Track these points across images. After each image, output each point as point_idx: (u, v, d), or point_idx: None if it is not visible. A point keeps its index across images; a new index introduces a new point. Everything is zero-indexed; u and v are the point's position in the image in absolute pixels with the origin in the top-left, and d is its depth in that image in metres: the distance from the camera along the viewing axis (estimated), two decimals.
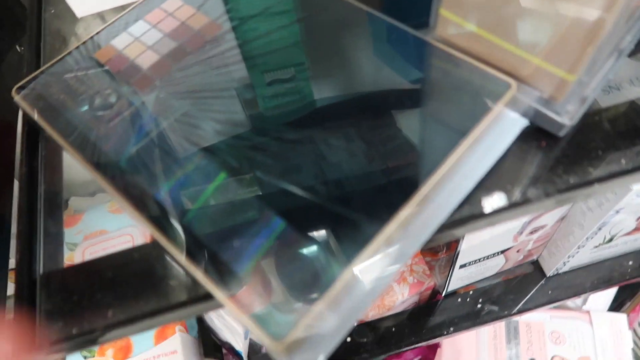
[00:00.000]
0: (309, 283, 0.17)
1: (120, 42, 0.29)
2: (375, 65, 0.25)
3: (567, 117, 0.21)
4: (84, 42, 0.29)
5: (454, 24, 0.22)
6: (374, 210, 0.18)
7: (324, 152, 0.21)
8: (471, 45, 0.22)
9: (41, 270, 0.22)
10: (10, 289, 0.28)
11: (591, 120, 0.24)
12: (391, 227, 0.18)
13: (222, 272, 0.19)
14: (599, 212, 0.39)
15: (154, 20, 0.30)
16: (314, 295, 0.17)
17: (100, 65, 0.27)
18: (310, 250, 0.18)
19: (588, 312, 0.55)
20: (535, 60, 0.20)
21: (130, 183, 0.22)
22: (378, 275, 0.17)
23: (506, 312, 0.51)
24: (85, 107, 0.25)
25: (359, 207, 0.19)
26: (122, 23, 0.30)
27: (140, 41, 0.28)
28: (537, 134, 0.23)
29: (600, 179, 0.22)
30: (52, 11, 0.33)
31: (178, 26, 0.29)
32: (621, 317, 0.54)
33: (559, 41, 0.19)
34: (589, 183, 0.22)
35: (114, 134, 0.24)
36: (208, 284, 0.18)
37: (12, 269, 0.26)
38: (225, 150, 0.23)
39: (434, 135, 0.21)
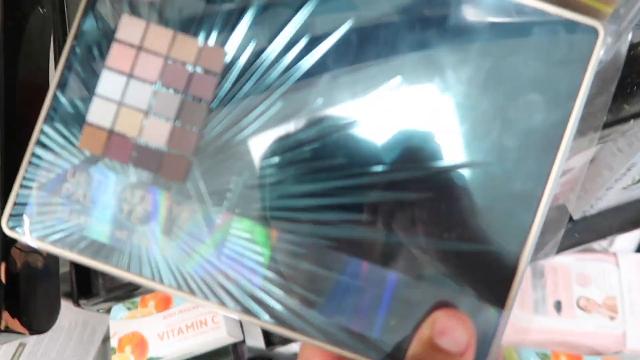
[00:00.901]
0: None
1: (98, 114, 0.20)
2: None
3: (602, 51, 0.21)
4: (43, 132, 0.20)
5: None
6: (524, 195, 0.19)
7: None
8: None
9: None
10: None
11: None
12: (542, 208, 0.19)
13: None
14: (629, 152, 0.38)
15: (120, 64, 0.20)
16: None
17: (97, 159, 0.20)
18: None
19: (614, 253, 0.55)
20: None
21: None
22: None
23: (532, 256, 0.52)
24: (113, 227, 0.20)
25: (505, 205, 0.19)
26: (76, 81, 0.20)
27: (126, 106, 0.20)
28: None
29: (636, 115, 0.21)
30: None
31: (163, 66, 0.20)
32: None
33: None
34: (625, 120, 0.22)
35: (168, 245, 0.20)
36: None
37: None
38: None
39: (540, 106, 0.19)
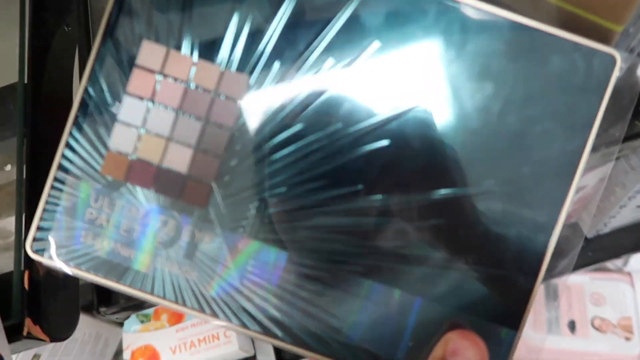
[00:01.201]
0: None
1: (119, 140, 0.20)
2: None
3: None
4: (64, 157, 0.20)
5: None
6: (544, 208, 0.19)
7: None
8: None
9: None
10: None
11: None
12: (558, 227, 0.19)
13: None
14: None
15: (141, 90, 0.20)
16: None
17: (120, 184, 0.20)
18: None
19: (629, 273, 0.54)
20: (579, 11, 0.20)
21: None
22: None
23: (545, 275, 0.51)
24: (142, 252, 0.20)
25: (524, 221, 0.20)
26: (96, 108, 0.20)
27: (148, 132, 0.20)
28: None
29: None
30: None
31: (184, 92, 0.20)
32: None
33: None
34: (636, 136, 0.22)
35: (195, 268, 0.20)
36: None
37: None
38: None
39: (557, 133, 0.19)
